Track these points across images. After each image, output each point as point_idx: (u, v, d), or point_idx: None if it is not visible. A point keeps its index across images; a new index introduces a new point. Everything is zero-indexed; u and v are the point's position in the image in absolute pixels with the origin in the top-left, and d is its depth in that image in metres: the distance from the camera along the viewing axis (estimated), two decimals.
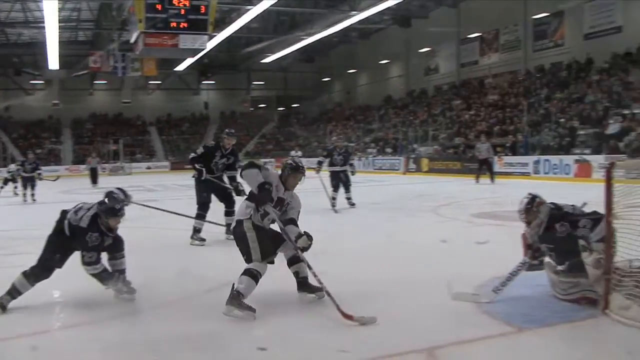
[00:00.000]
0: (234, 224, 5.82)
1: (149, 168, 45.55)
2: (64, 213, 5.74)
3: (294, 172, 5.78)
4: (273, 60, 44.31)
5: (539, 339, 4.59)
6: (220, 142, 9.71)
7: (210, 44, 25.20)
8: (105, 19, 33.63)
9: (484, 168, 22.42)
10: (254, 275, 5.36)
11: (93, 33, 40.54)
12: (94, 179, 27.15)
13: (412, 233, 9.63)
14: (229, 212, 9.56)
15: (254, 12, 28.24)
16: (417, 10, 39.43)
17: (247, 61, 49.05)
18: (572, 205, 5.62)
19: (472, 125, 32.71)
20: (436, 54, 42.81)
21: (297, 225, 5.69)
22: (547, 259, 5.67)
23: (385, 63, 47.76)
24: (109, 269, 5.82)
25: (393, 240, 9.36)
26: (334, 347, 4.48)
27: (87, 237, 5.51)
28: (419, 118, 38.60)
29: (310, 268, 5.49)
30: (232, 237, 9.29)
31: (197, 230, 9.38)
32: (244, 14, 29.17)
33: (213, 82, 56.74)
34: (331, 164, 14.46)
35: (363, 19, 32.49)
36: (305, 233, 5.53)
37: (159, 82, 52.28)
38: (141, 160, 48.04)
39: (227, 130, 9.98)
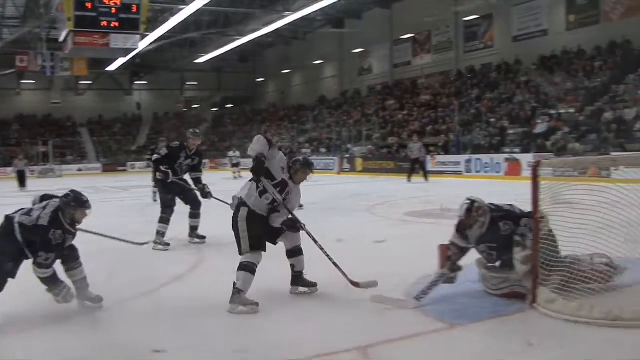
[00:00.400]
0: (234, 207, 5.81)
1: (80, 170, 44.48)
2: (9, 218, 5.31)
3: (305, 167, 5.88)
4: (207, 61, 44.00)
5: (471, 334, 4.67)
6: (185, 143, 9.31)
7: (143, 44, 24.82)
8: (32, 16, 32.65)
9: (417, 167, 22.74)
10: (248, 268, 5.45)
11: (19, 31, 39.34)
12: (22, 182, 26.32)
13: (347, 232, 9.66)
14: (195, 215, 9.30)
15: (187, 11, 27.99)
16: (351, 11, 39.68)
17: (181, 61, 48.51)
18: (510, 205, 5.73)
19: (405, 125, 33.11)
20: (369, 55, 43.18)
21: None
22: (478, 256, 5.78)
23: (319, 63, 47.92)
24: (69, 283, 5.47)
25: (327, 240, 9.32)
26: (265, 348, 4.49)
27: (50, 234, 5.15)
28: (352, 118, 38.85)
29: (316, 242, 5.81)
30: (195, 240, 9.13)
31: (161, 234, 8.84)
32: (176, 13, 28.87)
33: (146, 82, 55.88)
34: None
35: (297, 20, 32.54)
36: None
37: (90, 82, 51.25)
38: (72, 162, 46.78)
39: (192, 130, 9.58)
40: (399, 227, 10.80)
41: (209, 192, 9.15)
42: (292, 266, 5.93)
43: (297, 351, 4.38)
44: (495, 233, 5.47)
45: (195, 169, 9.39)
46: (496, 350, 4.35)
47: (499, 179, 21.63)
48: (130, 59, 33.56)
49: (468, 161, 25.02)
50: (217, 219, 8.39)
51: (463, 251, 5.71)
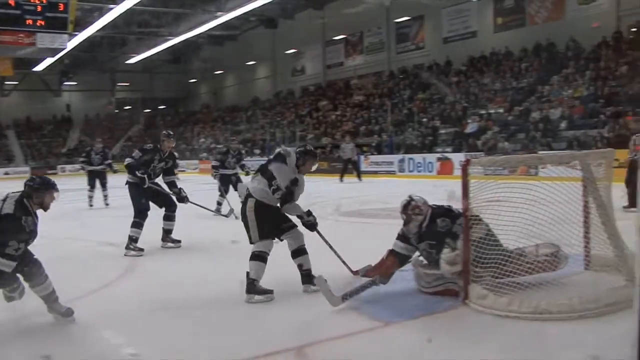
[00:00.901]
0: (243, 197, 6.03)
1: (7, 174, 42.95)
2: None
3: (312, 158, 6.12)
4: (138, 61, 43.31)
5: (404, 332, 4.75)
6: (158, 145, 8.97)
7: (71, 44, 24.27)
8: None
9: (350, 167, 22.98)
10: (260, 257, 5.72)
11: None
12: None
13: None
14: (170, 217, 8.97)
15: (117, 11, 27.47)
16: (283, 12, 39.66)
17: (112, 62, 47.59)
18: (449, 206, 5.84)
19: (338, 125, 33.29)
20: (302, 56, 43.28)
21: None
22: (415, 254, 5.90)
23: (252, 64, 47.79)
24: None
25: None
26: (200, 351, 4.47)
27: (22, 221, 4.86)
28: (286, 119, 38.85)
29: (321, 236, 6.13)
30: (169, 245, 8.89)
31: (133, 240, 8.40)
32: (106, 13, 28.31)
33: (75, 83, 54.53)
34: (223, 167, 13.62)
35: (229, 20, 32.35)
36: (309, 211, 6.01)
37: (16, 82, 49.68)
38: None
39: (165, 131, 9.27)
40: (332, 227, 10.82)
41: (186, 196, 8.95)
42: (300, 265, 6.03)
43: (231, 353, 4.38)
44: (434, 230, 5.61)
45: (169, 172, 9.12)
46: (429, 347, 4.42)
47: (431, 178, 21.95)
48: (59, 59, 32.71)
49: (401, 161, 25.33)
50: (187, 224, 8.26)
51: (403, 261, 5.81)
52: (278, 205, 5.87)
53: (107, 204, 15.70)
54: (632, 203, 10.35)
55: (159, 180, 9.05)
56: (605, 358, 3.82)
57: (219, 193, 13.42)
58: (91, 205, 15.63)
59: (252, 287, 5.62)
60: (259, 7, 29.99)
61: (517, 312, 4.78)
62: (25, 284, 5.13)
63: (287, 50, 43.18)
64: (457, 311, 5.10)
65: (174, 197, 8.97)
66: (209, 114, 51.55)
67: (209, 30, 34.73)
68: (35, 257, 5.10)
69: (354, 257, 6.67)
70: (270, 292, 5.66)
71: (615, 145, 17.50)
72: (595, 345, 4.12)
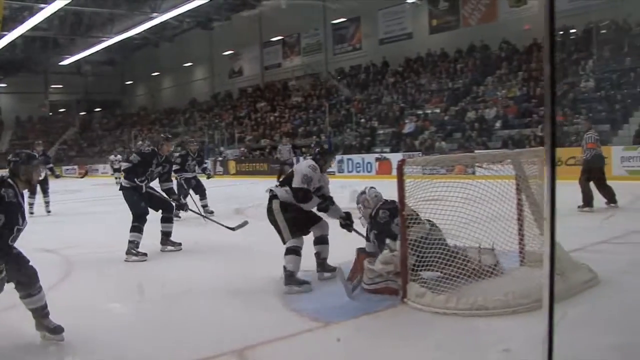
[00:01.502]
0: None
1: None
2: None
3: (330, 155, 6.77)
4: (73, 63, 42.43)
5: (344, 331, 4.76)
6: (157, 149, 8.66)
7: (0, 44, 23.63)
8: None
9: (286, 169, 23.08)
10: (294, 251, 5.97)
11: None
12: None
13: (220, 236, 9.57)
14: (168, 219, 8.70)
15: (48, 10, 26.84)
16: (219, 13, 39.39)
17: (44, 63, 46.48)
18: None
19: (277, 126, 33.29)
20: (240, 57, 43.15)
21: (333, 201, 6.52)
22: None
23: (189, 66, 47.38)
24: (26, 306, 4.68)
25: (200, 245, 9.23)
26: (138, 354, 4.42)
27: (1, 191, 4.45)
28: (224, 121, 38.65)
29: (359, 233, 6.35)
30: (169, 248, 8.62)
31: (135, 245, 8.07)
32: (37, 12, 27.63)
33: (5, 85, 53.07)
34: (184, 170, 12.93)
35: (165, 21, 32.00)
36: (347, 213, 6.44)
37: None
38: None
39: (164, 134, 8.98)
40: (271, 229, 10.81)
41: (185, 204, 8.89)
42: (318, 254, 6.35)
43: (171, 356, 4.35)
44: (376, 221, 5.89)
45: (166, 177, 8.84)
46: (369, 346, 4.46)
47: (370, 179, 22.10)
48: None
49: (340, 161, 25.43)
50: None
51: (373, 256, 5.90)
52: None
53: (48, 212, 14.52)
54: (586, 203, 10.62)
55: (153, 183, 8.75)
56: (521, 352, 3.95)
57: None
58: (32, 213, 14.28)
59: (291, 279, 5.84)
60: (195, 8, 29.74)
61: (455, 309, 4.86)
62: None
63: (224, 51, 42.97)
64: (396, 310, 5.15)
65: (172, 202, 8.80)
66: (147, 116, 50.86)
67: (144, 31, 34.27)
68: (30, 264, 4.66)
69: (303, 259, 6.69)
70: (308, 283, 5.92)
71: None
72: (524, 340, 4.22)
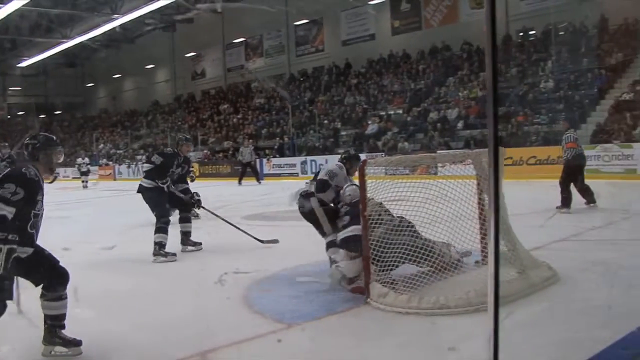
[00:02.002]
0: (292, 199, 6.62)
1: None
2: None
3: (357, 160, 6.67)
4: (31, 65, 41.73)
5: (308, 333, 4.76)
6: (177, 149, 8.64)
7: None
8: None
9: (249, 170, 23.27)
10: (335, 244, 6.13)
11: None
12: None
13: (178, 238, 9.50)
14: (187, 218, 8.72)
15: (4, 11, 26.36)
16: (181, 15, 39.12)
17: (1, 65, 45.64)
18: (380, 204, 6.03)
19: (240, 128, 33.17)
20: (202, 59, 42.88)
21: None
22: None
23: (151, 68, 46.94)
24: (42, 311, 4.36)
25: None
26: (102, 356, 4.38)
27: (23, 169, 4.18)
28: (187, 123, 38.40)
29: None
30: (189, 248, 8.55)
31: (162, 246, 8.01)
32: None
33: None
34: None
35: (126, 23, 31.66)
36: None
37: None
38: None
39: (183, 135, 8.94)
40: (236, 231, 10.77)
41: (199, 200, 8.75)
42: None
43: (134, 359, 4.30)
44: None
45: (183, 178, 8.84)
46: (332, 346, 4.47)
47: None
48: None
49: (303, 163, 25.46)
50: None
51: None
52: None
53: None
54: (565, 204, 10.52)
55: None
56: (465, 350, 4.00)
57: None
58: None
59: (338, 271, 5.78)
60: (156, 9, 29.50)
61: (417, 308, 4.89)
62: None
63: (186, 53, 42.68)
64: (359, 310, 5.16)
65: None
66: (108, 119, 50.27)
67: (104, 33, 33.85)
68: (63, 267, 4.41)
69: (258, 260, 6.68)
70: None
71: (508, 143, 18.31)
72: (485, 338, 4.26)
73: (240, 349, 4.45)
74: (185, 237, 8.68)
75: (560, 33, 23.81)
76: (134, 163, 35.52)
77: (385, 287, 5.16)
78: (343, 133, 26.99)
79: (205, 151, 33.07)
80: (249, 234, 8.59)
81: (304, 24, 35.24)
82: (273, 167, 26.66)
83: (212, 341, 4.53)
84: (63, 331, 4.37)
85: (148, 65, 46.55)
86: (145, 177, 8.62)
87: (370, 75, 30.22)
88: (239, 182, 23.02)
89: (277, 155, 27.87)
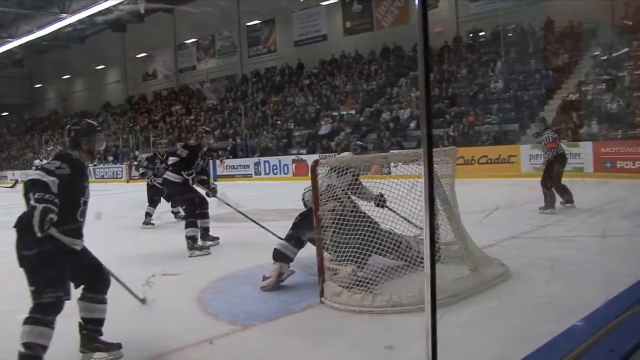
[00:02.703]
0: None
1: None
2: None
3: (365, 151, 6.91)
4: None
5: (262, 334, 4.75)
6: (200, 142, 8.67)
7: None
8: None
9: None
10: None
11: None
12: None
13: (139, 241, 9.40)
14: (205, 214, 8.66)
15: None
16: (132, 15, 38.60)
17: None
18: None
19: (193, 129, 32.90)
20: (154, 60, 42.39)
21: None
22: None
23: (102, 69, 46.20)
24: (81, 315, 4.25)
25: (116, 251, 9.01)
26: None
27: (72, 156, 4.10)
28: (139, 124, 37.96)
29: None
30: (208, 243, 8.50)
31: (194, 240, 8.05)
32: None
33: None
34: (153, 174, 12.12)
35: (75, 22, 31.13)
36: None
37: None
38: None
39: (204, 127, 8.94)
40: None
41: (215, 188, 8.82)
42: None
43: None
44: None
45: (204, 170, 8.93)
46: (288, 347, 4.47)
47: (288, 180, 22.16)
48: None
49: (257, 164, 25.40)
50: None
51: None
52: None
53: None
54: (549, 204, 10.31)
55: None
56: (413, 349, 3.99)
57: (148, 203, 12.09)
58: None
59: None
60: (106, 9, 29.06)
61: (370, 306, 4.92)
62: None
63: (137, 54, 42.13)
64: (313, 310, 5.18)
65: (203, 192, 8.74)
66: (58, 121, 49.14)
67: (52, 32, 33.21)
68: (106, 268, 4.37)
69: (211, 263, 6.64)
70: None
71: (460, 143, 18.56)
72: (444, 335, 4.30)
73: (194, 353, 4.41)
74: (205, 232, 8.68)
75: (509, 34, 24.22)
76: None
77: (340, 287, 5.18)
78: (296, 134, 26.99)
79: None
80: (269, 230, 8.40)
81: (256, 24, 35.13)
82: (227, 169, 26.52)
83: (166, 344, 4.49)
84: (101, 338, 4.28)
85: (98, 66, 45.78)
86: (171, 171, 8.63)
87: (323, 75, 30.29)
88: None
89: (231, 157, 27.73)
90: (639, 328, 1.99)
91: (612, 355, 1.77)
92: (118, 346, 4.23)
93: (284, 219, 7.36)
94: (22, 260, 3.89)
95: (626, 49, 19.48)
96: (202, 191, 8.81)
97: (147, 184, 12.18)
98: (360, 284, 5.27)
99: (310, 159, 22.48)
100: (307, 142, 25.68)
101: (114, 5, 28.49)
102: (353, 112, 26.02)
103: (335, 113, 26.51)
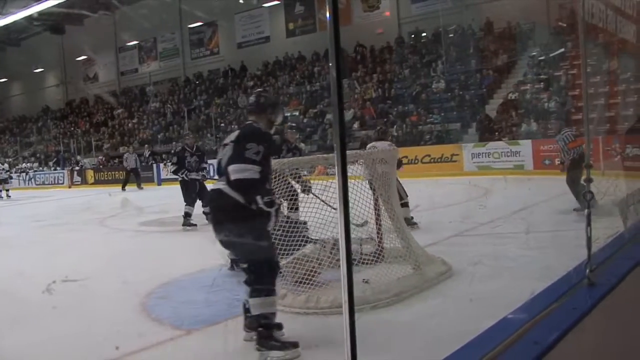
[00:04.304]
0: None
1: None
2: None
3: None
4: None
5: (206, 338, 4.73)
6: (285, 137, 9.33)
7: None
8: None
9: (132, 177, 23.35)
10: None
11: None
12: None
13: (83, 247, 9.26)
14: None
15: None
16: (71, 17, 37.84)
17: None
18: None
19: (136, 133, 32.53)
20: (94, 62, 41.66)
21: None
22: None
23: (40, 72, 45.14)
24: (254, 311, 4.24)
25: (63, 256, 8.86)
26: None
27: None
28: (80, 128, 37.30)
29: None
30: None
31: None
32: None
33: None
34: (186, 169, 10.86)
35: (10, 24, 30.37)
36: None
37: None
38: None
39: (289, 124, 9.07)
40: (134, 239, 10.60)
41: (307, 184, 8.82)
42: None
43: None
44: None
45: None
46: (233, 350, 4.47)
47: None
48: None
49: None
50: None
51: None
52: None
53: None
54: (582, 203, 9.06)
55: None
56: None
57: (185, 202, 10.83)
58: None
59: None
60: (42, 10, 28.42)
61: (315, 308, 4.95)
62: None
63: (77, 57, 41.31)
64: None
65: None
66: None
67: None
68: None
69: (157, 266, 6.57)
70: None
71: (403, 143, 18.78)
72: (387, 334, 4.36)
73: (138, 358, 4.38)
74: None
75: (450, 35, 24.61)
76: (25, 172, 33.99)
77: (284, 289, 5.20)
78: None
79: (100, 157, 32.23)
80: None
81: (198, 26, 34.90)
82: (171, 172, 26.29)
83: (108, 352, 4.44)
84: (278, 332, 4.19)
85: (36, 69, 44.74)
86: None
87: (266, 77, 30.27)
88: (123, 188, 22.96)
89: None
90: (561, 321, 2.09)
91: (536, 348, 1.85)
92: (295, 344, 4.12)
93: None
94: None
95: (561, 50, 19.99)
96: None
97: (181, 182, 10.99)
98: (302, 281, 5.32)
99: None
100: None
101: (52, 7, 27.90)
102: (297, 113, 26.08)
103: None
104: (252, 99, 4.50)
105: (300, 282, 5.33)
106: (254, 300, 4.14)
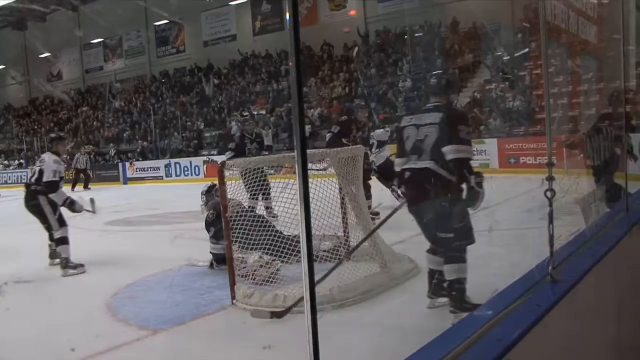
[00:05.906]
0: None
1: None
2: None
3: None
4: None
5: (173, 337, 4.72)
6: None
7: None
8: None
9: (82, 177, 23.25)
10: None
11: None
12: None
13: (46, 247, 9.10)
14: None
15: None
16: (33, 13, 37.24)
17: None
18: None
19: (100, 132, 32.21)
20: (58, 60, 41.10)
21: None
22: None
23: (1, 69, 44.40)
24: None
25: (23, 257, 8.73)
26: None
27: None
28: (44, 127, 36.76)
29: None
30: None
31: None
32: None
33: None
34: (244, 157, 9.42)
35: None
36: None
37: None
38: None
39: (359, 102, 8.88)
40: (100, 238, 10.49)
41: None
42: None
43: None
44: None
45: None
46: (199, 349, 4.46)
47: (199, 181, 21.90)
48: None
49: (167, 165, 25.07)
50: None
51: None
52: None
53: None
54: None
55: None
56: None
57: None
58: None
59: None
60: (4, 6, 28.00)
61: (283, 306, 4.94)
62: None
63: (40, 54, 40.69)
64: (225, 311, 5.18)
65: None
66: None
67: None
68: None
69: (124, 266, 6.52)
70: None
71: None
72: (352, 333, 4.38)
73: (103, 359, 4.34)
74: None
75: (417, 35, 24.75)
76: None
77: (251, 288, 5.20)
78: (207, 134, 26.78)
79: (64, 156, 31.75)
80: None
81: (164, 24, 34.65)
82: (137, 171, 26.05)
83: (74, 353, 4.39)
84: None
85: None
86: None
87: (233, 75, 30.16)
88: (72, 189, 22.75)
89: (140, 159, 27.26)
90: (525, 318, 2.12)
91: (499, 345, 1.88)
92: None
93: (194, 221, 7.32)
94: None
95: (526, 50, 20.20)
96: None
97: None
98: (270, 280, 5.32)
99: (221, 159, 22.40)
100: (218, 142, 25.53)
101: (13, 2, 27.50)
102: (264, 112, 26.03)
103: (246, 113, 26.42)
104: (433, 80, 4.77)
105: (266, 282, 5.34)
106: (451, 266, 4.50)
